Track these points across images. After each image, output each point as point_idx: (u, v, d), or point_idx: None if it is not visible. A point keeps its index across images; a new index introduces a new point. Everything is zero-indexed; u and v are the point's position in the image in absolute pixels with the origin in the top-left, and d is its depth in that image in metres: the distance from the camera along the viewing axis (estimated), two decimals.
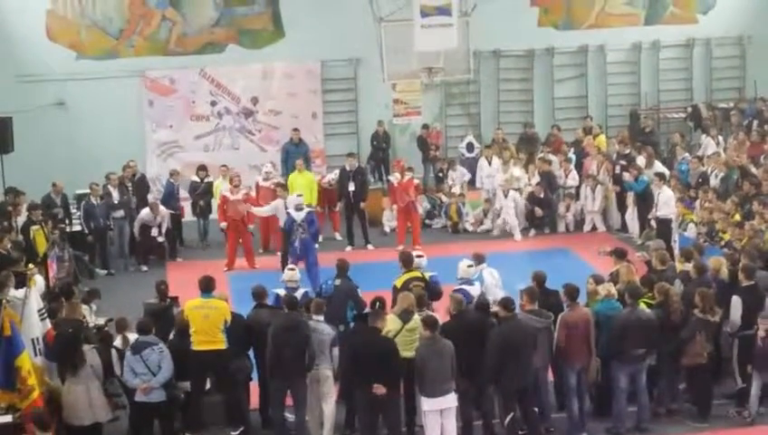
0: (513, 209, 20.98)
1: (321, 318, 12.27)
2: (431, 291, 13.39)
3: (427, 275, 13.67)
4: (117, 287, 16.16)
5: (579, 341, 12.05)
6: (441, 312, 12.77)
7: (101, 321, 13.93)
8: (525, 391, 11.77)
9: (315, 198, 20.54)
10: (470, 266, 13.58)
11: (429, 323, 11.47)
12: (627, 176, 20.12)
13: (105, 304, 15.06)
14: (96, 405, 11.72)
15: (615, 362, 12.18)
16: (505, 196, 21.03)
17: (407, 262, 13.80)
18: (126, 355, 11.86)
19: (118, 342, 12.30)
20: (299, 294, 13.16)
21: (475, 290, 13.22)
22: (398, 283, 13.39)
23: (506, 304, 11.86)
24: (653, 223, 19.09)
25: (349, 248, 20.22)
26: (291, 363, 11.89)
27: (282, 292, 13.21)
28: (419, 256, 14.17)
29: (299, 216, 17.72)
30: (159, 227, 19.76)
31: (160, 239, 19.85)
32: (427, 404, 11.35)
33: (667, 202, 18.62)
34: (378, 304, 12.20)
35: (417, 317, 12.04)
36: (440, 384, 11.29)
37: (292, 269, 13.67)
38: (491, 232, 21.24)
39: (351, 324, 12.96)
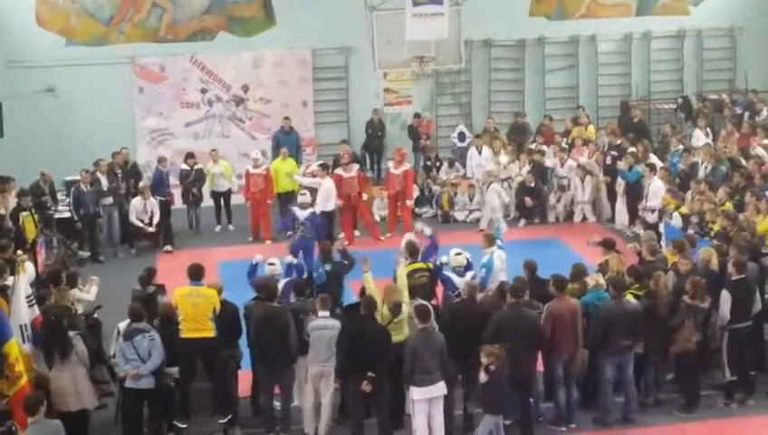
0: (497, 202, 20.89)
1: (327, 314, 11.99)
2: (435, 280, 13.35)
3: (429, 263, 13.56)
4: (106, 274, 16.09)
5: (566, 332, 12.06)
6: None
7: (90, 296, 13.80)
8: (522, 382, 11.75)
9: (298, 185, 20.35)
10: (459, 254, 13.55)
11: (422, 313, 11.41)
12: (621, 164, 20.12)
13: None
14: (82, 392, 11.73)
15: (601, 353, 12.20)
16: (487, 188, 20.95)
17: (413, 252, 13.60)
18: (118, 341, 11.84)
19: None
20: (281, 285, 12.98)
21: (462, 280, 13.18)
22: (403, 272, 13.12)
23: (514, 291, 11.89)
24: (642, 214, 19.09)
25: (341, 235, 20.20)
26: (273, 353, 11.89)
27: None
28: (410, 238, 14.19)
29: (302, 214, 17.73)
30: (151, 217, 19.72)
31: (151, 230, 19.79)
32: (416, 393, 11.32)
33: (656, 193, 18.64)
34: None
35: (405, 309, 11.99)
36: (430, 374, 11.26)
37: (273, 264, 13.55)
38: (479, 221, 21.19)
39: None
